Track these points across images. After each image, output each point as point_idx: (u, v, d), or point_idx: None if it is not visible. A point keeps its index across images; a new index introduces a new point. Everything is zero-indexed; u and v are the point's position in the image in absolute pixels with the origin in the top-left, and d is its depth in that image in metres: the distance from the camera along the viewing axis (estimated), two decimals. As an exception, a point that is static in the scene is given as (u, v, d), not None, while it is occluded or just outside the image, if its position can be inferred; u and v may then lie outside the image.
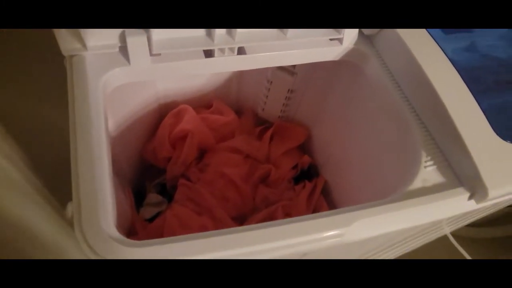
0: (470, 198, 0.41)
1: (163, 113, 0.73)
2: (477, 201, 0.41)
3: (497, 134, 0.43)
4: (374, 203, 0.39)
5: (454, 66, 0.48)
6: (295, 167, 0.76)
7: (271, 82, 0.70)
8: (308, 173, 0.77)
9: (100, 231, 0.33)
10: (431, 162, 0.43)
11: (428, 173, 0.42)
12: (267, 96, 0.74)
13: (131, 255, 0.32)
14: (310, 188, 0.71)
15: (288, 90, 0.71)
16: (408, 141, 0.47)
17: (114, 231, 0.33)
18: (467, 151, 0.40)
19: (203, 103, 0.77)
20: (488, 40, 0.57)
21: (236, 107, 0.80)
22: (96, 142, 0.38)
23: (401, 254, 0.80)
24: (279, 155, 0.75)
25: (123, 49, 0.45)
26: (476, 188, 0.40)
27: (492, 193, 0.39)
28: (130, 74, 0.46)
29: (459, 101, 0.44)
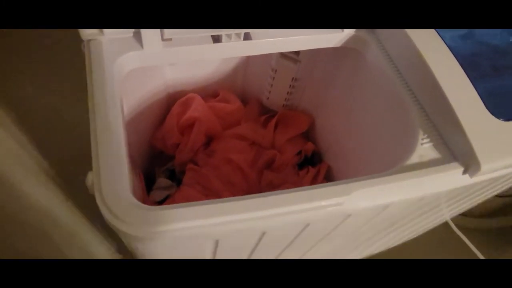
0: (464, 172, 0.43)
1: (172, 102, 0.76)
2: (471, 175, 0.43)
3: (491, 112, 0.45)
4: (373, 175, 0.41)
5: (452, 52, 0.50)
6: (299, 153, 0.78)
7: (276, 70, 0.73)
8: (311, 160, 0.79)
9: (118, 196, 0.35)
10: (427, 140, 0.45)
11: (425, 149, 0.44)
12: (271, 85, 0.76)
13: (147, 217, 0.35)
14: (314, 173, 0.73)
15: (292, 78, 0.73)
16: (406, 122, 0.49)
17: (130, 197, 0.36)
18: (461, 126, 0.42)
19: (210, 92, 0.79)
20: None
21: (241, 96, 0.82)
22: (113, 116, 0.40)
23: (404, 240, 0.82)
24: (284, 142, 0.78)
25: (137, 34, 0.48)
26: (469, 163, 0.42)
27: (484, 167, 0.41)
28: (143, 58, 0.49)
29: (455, 84, 0.46)
